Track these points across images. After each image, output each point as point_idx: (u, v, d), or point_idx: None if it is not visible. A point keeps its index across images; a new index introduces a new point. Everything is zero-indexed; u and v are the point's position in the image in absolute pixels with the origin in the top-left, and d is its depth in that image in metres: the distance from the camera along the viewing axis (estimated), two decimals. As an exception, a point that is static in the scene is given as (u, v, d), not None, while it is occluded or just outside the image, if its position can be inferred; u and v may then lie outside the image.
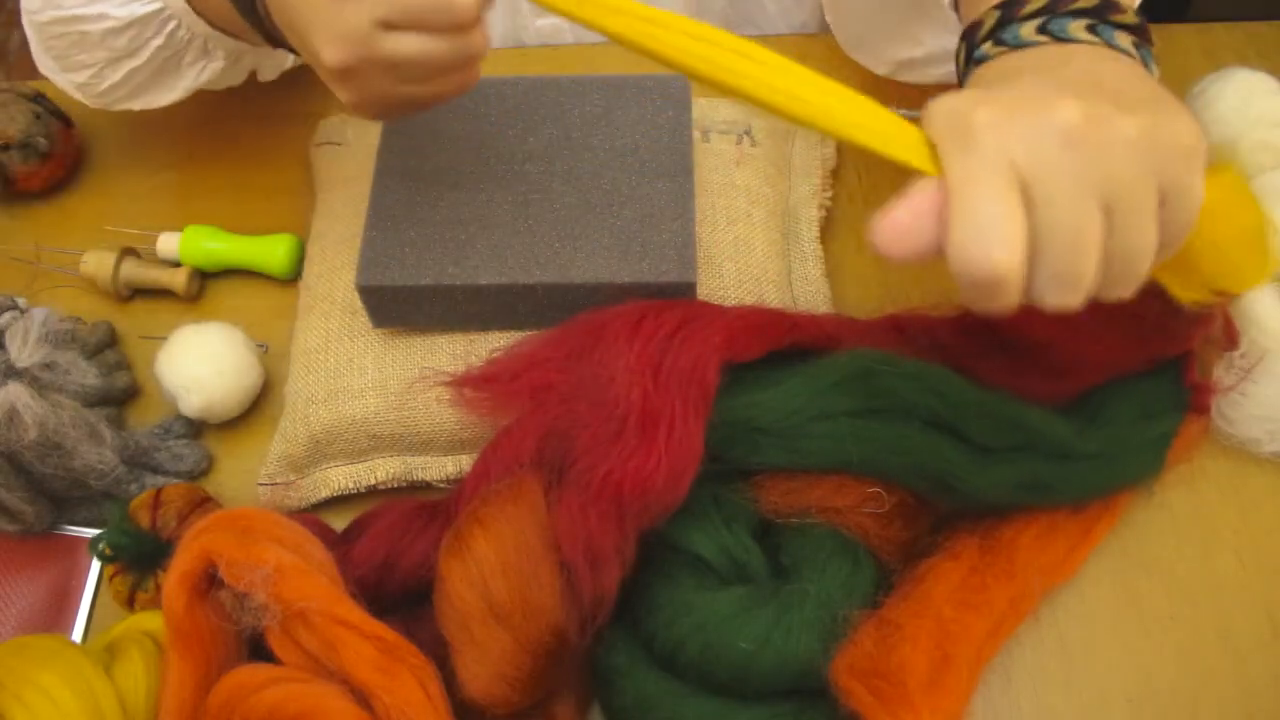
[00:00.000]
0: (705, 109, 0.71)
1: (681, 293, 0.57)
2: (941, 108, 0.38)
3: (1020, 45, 0.43)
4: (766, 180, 0.67)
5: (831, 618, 0.48)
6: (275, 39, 0.54)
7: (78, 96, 0.67)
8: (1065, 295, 0.36)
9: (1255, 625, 0.56)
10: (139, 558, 0.55)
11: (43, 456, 0.57)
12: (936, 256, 0.36)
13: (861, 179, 0.72)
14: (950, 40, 0.61)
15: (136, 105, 0.67)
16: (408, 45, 0.45)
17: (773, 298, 0.62)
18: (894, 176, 0.74)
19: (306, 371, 0.61)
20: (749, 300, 0.61)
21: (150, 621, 0.54)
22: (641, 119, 0.61)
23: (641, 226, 0.58)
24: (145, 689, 0.51)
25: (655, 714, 0.50)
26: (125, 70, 0.63)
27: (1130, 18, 0.43)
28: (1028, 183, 0.35)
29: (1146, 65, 0.42)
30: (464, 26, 0.45)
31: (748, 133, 0.69)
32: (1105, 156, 0.34)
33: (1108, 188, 0.35)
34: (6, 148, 0.70)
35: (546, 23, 0.80)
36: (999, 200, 0.34)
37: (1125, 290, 0.37)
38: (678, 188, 0.59)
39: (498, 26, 0.80)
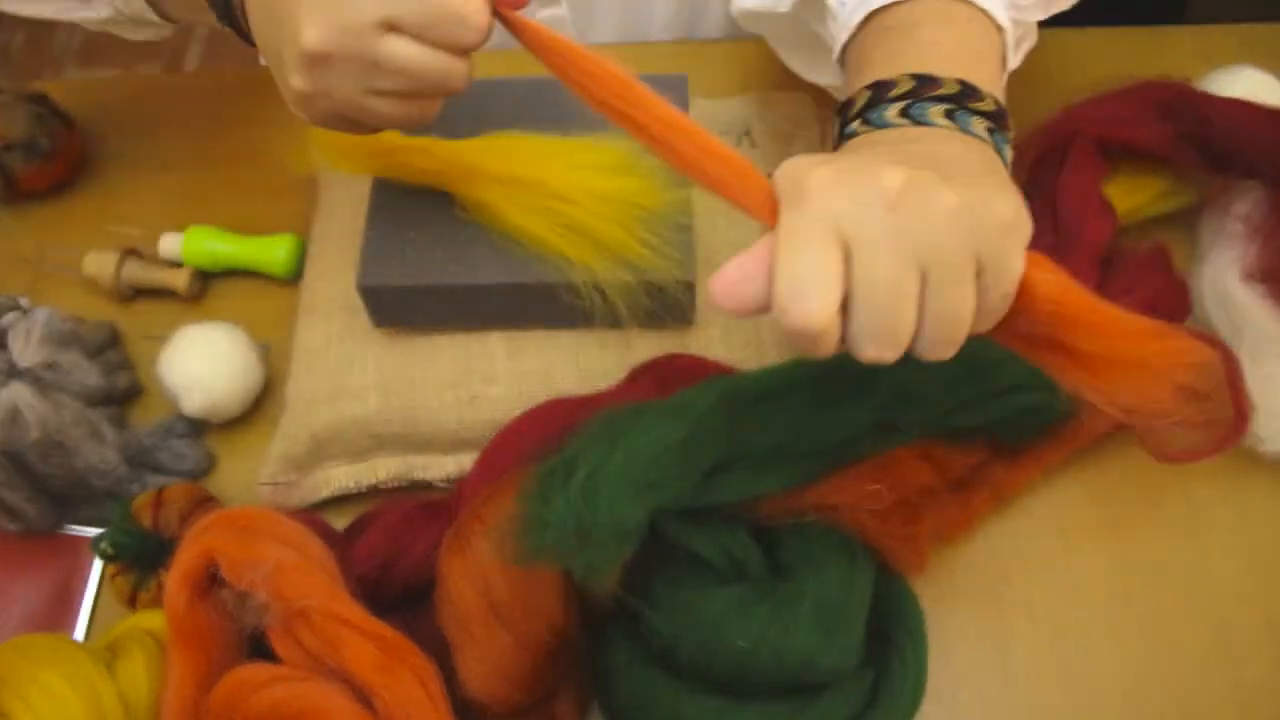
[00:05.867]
0: (705, 109, 0.71)
1: (681, 293, 0.57)
2: (784, 168, 0.40)
3: (883, 126, 0.45)
4: (766, 181, 0.67)
5: (829, 615, 0.49)
6: (235, 19, 0.51)
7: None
8: (881, 349, 0.38)
9: (1253, 625, 0.56)
10: (141, 557, 0.55)
11: (45, 456, 0.57)
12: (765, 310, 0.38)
13: (860, 180, 0.72)
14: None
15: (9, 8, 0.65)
16: (402, 51, 0.43)
17: (772, 298, 0.62)
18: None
19: (307, 371, 0.61)
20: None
21: (152, 620, 0.54)
22: (641, 120, 0.61)
23: (641, 226, 0.58)
24: (147, 688, 0.51)
25: (654, 712, 0.50)
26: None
27: (988, 105, 0.45)
28: (849, 242, 0.37)
29: (999, 150, 0.45)
30: (465, 49, 0.45)
31: (747, 133, 0.69)
32: (924, 223, 0.36)
33: (925, 253, 0.37)
34: (9, 148, 0.70)
35: (547, 13, 0.80)
36: (819, 256, 0.36)
37: (945, 351, 0.39)
38: None
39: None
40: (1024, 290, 0.39)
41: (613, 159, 0.58)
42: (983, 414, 0.54)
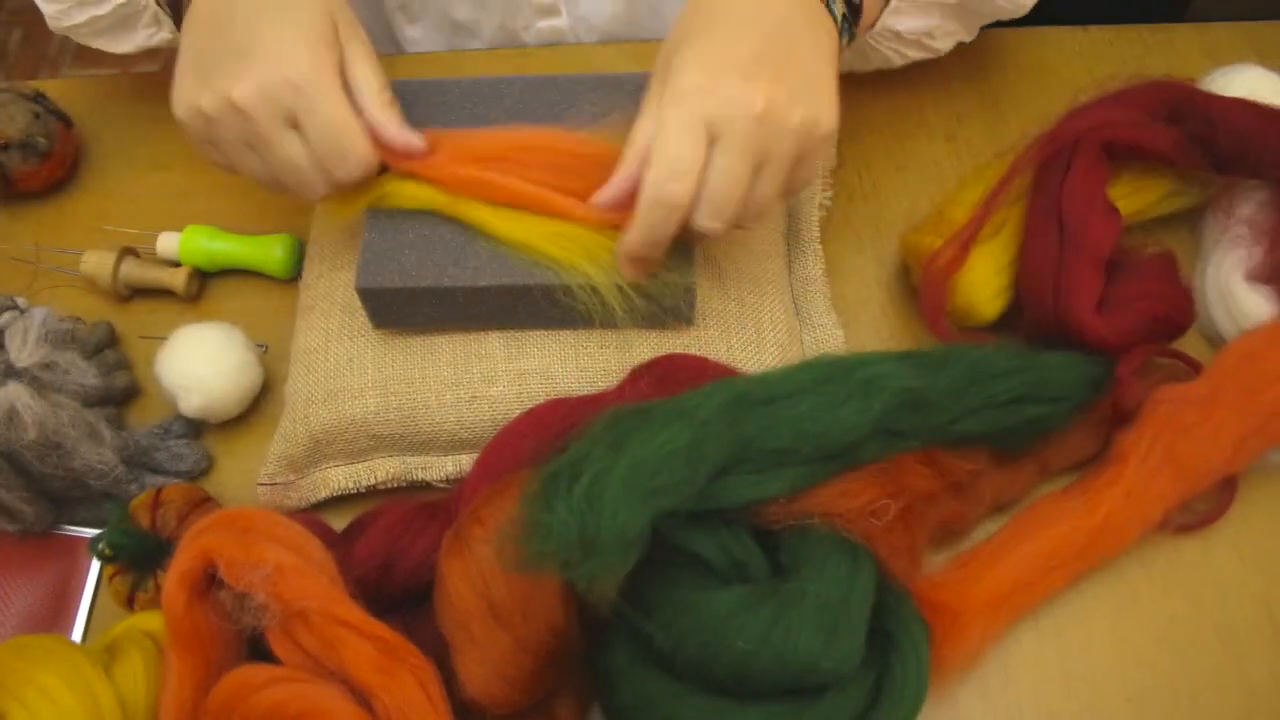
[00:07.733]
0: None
1: (681, 294, 0.57)
2: (658, 62, 0.52)
3: None
4: (766, 180, 0.66)
5: (830, 616, 0.48)
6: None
7: (51, 25, 0.69)
8: (714, 222, 0.50)
9: (1255, 624, 0.56)
10: (138, 558, 0.55)
11: (42, 456, 0.57)
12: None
13: (862, 179, 0.72)
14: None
15: (94, 44, 0.70)
16: (293, 150, 0.53)
17: (773, 298, 0.62)
18: (894, 176, 0.74)
19: (306, 371, 0.61)
20: (749, 300, 0.61)
21: (150, 621, 0.54)
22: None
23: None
24: (145, 689, 0.51)
25: (654, 713, 0.50)
26: (89, 15, 0.67)
27: None
28: (714, 137, 0.48)
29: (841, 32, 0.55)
30: (335, 181, 0.55)
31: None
32: (774, 135, 0.49)
33: (765, 155, 0.49)
34: (6, 148, 0.70)
35: (546, 24, 0.80)
36: (692, 146, 0.48)
37: (755, 223, 0.53)
38: None
39: (494, 24, 0.80)
40: None
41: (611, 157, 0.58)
42: (986, 423, 0.53)
